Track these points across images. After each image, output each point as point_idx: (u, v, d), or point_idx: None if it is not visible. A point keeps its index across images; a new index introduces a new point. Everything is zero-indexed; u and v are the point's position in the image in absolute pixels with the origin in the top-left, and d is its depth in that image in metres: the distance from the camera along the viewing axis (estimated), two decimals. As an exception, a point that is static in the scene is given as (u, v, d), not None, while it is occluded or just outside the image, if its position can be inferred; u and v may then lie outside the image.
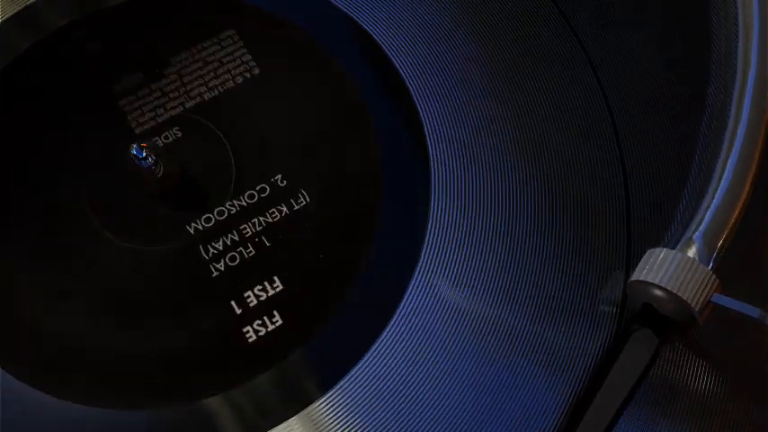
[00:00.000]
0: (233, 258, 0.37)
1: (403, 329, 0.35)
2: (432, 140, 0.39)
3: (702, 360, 0.34)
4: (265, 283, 0.37)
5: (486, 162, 0.38)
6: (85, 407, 0.35)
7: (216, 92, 0.41)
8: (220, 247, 0.37)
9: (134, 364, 0.36)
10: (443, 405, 0.34)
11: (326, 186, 0.38)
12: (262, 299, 0.36)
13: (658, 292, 0.33)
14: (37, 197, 0.39)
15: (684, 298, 0.32)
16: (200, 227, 0.38)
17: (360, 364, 0.35)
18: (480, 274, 0.36)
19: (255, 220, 0.38)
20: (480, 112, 0.39)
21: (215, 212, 0.38)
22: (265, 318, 0.36)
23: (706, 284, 0.32)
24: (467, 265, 0.36)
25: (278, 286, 0.36)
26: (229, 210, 0.38)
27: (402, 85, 0.40)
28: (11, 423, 0.35)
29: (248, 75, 0.41)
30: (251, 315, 0.36)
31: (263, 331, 0.36)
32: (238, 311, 0.36)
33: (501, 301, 0.36)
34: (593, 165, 0.38)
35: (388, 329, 0.35)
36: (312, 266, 0.37)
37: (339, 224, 0.37)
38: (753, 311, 0.32)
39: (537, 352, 0.35)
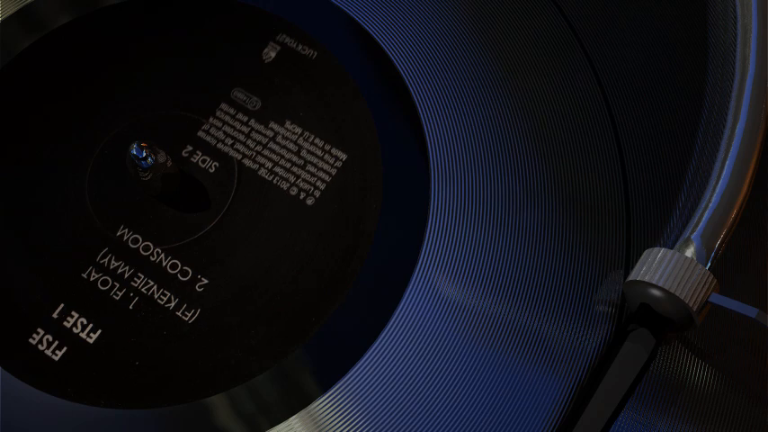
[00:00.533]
0: None
1: (403, 328, 0.35)
2: (432, 140, 0.39)
3: (699, 360, 0.34)
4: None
5: (486, 161, 0.38)
6: (85, 407, 0.35)
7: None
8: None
9: (134, 364, 0.36)
10: (443, 403, 0.34)
11: (326, 186, 0.38)
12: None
13: (656, 292, 0.33)
14: (37, 197, 0.39)
15: (682, 298, 0.32)
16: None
17: (360, 363, 0.35)
18: (480, 273, 0.36)
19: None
20: (480, 111, 0.39)
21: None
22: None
23: (704, 284, 0.32)
24: (466, 264, 0.36)
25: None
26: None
27: (402, 85, 0.40)
28: (11, 423, 0.35)
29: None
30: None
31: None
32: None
33: (500, 300, 0.36)
34: (592, 164, 0.38)
35: (388, 328, 0.35)
36: (313, 265, 0.37)
37: (339, 223, 0.37)
38: (750, 311, 0.32)
39: (535, 351, 0.35)
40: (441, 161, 0.38)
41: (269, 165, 0.39)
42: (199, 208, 0.39)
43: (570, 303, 0.35)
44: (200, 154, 0.39)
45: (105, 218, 0.39)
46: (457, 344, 0.35)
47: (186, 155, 0.39)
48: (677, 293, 0.32)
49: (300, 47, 0.41)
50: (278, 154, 0.39)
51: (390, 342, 0.35)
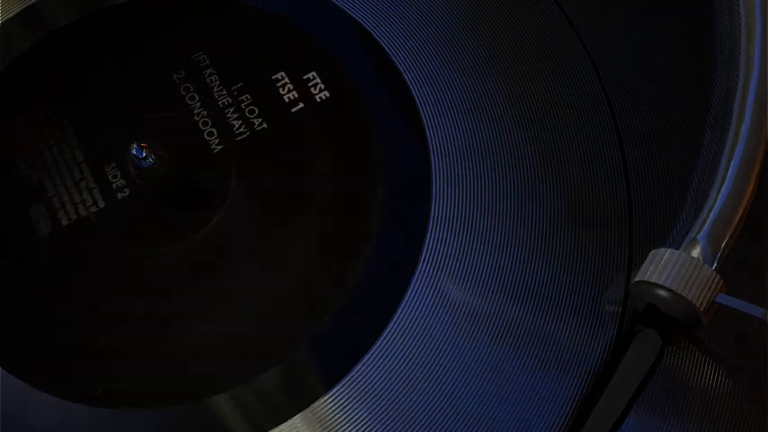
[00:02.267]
0: None
1: (405, 327, 0.35)
2: (432, 140, 0.39)
3: (707, 360, 0.34)
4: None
5: (488, 162, 0.38)
6: (85, 407, 0.35)
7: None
8: None
9: (135, 363, 0.35)
10: (447, 402, 0.34)
11: (327, 187, 0.38)
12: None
13: (663, 293, 0.33)
14: (37, 197, 0.39)
15: (689, 298, 0.32)
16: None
17: (363, 362, 0.34)
18: (482, 273, 0.36)
19: None
20: (480, 111, 0.39)
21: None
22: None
23: (710, 285, 0.32)
24: (468, 263, 0.36)
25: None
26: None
27: (402, 85, 0.40)
28: (11, 423, 0.35)
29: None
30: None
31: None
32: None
33: (503, 300, 0.35)
34: (595, 165, 0.38)
35: (390, 327, 0.35)
36: (315, 264, 0.37)
37: (341, 223, 0.37)
38: (757, 311, 0.32)
39: (541, 352, 0.34)
40: (441, 161, 0.38)
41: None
42: (198, 208, 0.38)
43: (575, 305, 0.35)
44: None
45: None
46: (459, 344, 0.35)
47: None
48: (684, 294, 0.32)
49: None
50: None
51: (393, 341, 0.35)
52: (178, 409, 0.34)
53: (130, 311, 0.37)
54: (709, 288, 0.32)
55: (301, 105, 0.40)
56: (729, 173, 0.34)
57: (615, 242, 0.36)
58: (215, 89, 0.41)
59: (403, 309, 0.35)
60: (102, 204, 0.39)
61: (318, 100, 0.40)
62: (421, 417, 0.34)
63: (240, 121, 0.40)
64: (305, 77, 0.40)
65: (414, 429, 0.33)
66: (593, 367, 0.34)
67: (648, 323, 0.33)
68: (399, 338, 0.35)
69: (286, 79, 0.40)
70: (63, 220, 0.38)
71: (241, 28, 0.42)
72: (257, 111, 0.40)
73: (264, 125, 0.40)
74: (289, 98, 0.40)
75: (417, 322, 0.35)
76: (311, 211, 0.38)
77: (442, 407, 0.34)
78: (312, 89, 0.40)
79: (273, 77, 0.40)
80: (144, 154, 0.37)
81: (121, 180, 0.39)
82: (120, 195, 0.39)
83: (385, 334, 0.35)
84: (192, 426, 0.34)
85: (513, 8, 0.41)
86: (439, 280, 0.36)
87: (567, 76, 0.40)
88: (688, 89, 0.39)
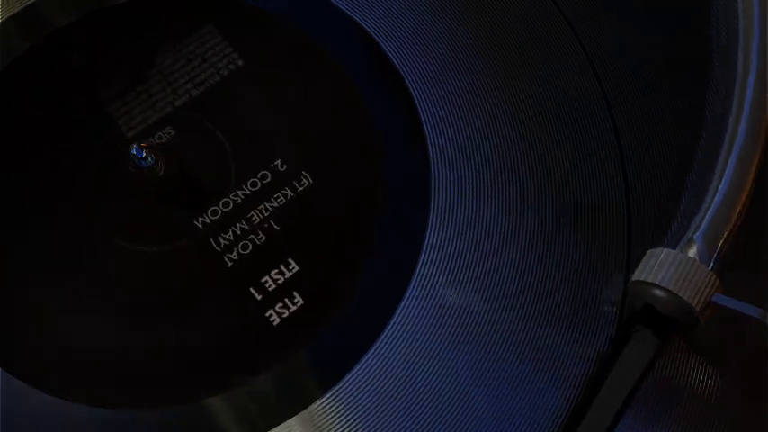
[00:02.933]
0: (245, 247, 0.37)
1: (402, 330, 0.35)
2: (432, 140, 0.39)
3: (703, 360, 0.34)
4: (281, 267, 0.37)
5: (486, 162, 0.38)
6: (85, 407, 0.35)
7: (205, 86, 0.41)
8: (231, 238, 0.38)
9: (134, 364, 0.36)
10: (443, 405, 0.34)
11: (327, 188, 0.38)
12: (279, 282, 0.37)
13: (659, 293, 0.33)
14: (37, 197, 0.39)
15: (685, 298, 0.32)
16: (207, 220, 0.38)
17: (359, 365, 0.34)
18: (480, 275, 0.36)
19: (262, 206, 0.38)
20: (480, 112, 0.39)
21: (220, 204, 0.38)
22: (285, 300, 0.36)
23: (707, 284, 0.32)
24: (467, 265, 0.36)
25: (293, 268, 0.37)
26: (234, 200, 0.38)
27: (402, 85, 0.40)
28: (11, 423, 0.35)
29: (233, 67, 0.41)
30: (272, 300, 0.36)
31: (284, 313, 0.36)
32: (258, 297, 0.36)
33: (501, 301, 0.35)
34: (593, 165, 0.38)
35: (387, 330, 0.35)
36: (313, 266, 0.37)
37: (340, 224, 0.37)
38: (753, 311, 0.32)
39: (538, 352, 0.35)
40: (441, 162, 0.38)
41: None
42: (197, 208, 0.39)
43: (572, 306, 0.35)
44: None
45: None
46: (456, 346, 0.35)
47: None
48: (680, 294, 0.32)
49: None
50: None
51: (390, 344, 0.35)
52: (176, 410, 0.34)
53: (130, 311, 0.37)
54: (706, 288, 0.32)
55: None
56: (726, 172, 0.34)
57: (612, 242, 0.36)
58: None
59: (400, 312, 0.35)
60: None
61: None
62: (416, 420, 0.34)
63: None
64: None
65: (411, 430, 0.34)
66: (589, 368, 0.34)
67: (645, 323, 0.33)
68: (396, 341, 0.35)
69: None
70: None
71: (241, 28, 0.42)
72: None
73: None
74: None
75: (414, 325, 0.35)
76: (311, 211, 0.38)
77: (437, 410, 0.34)
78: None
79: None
80: (144, 154, 0.37)
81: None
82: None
83: (382, 337, 0.35)
84: (189, 426, 0.34)
85: (514, 9, 0.41)
86: (436, 283, 0.36)
87: (566, 77, 0.40)
88: (686, 88, 0.39)
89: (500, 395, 0.34)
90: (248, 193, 0.38)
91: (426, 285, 0.36)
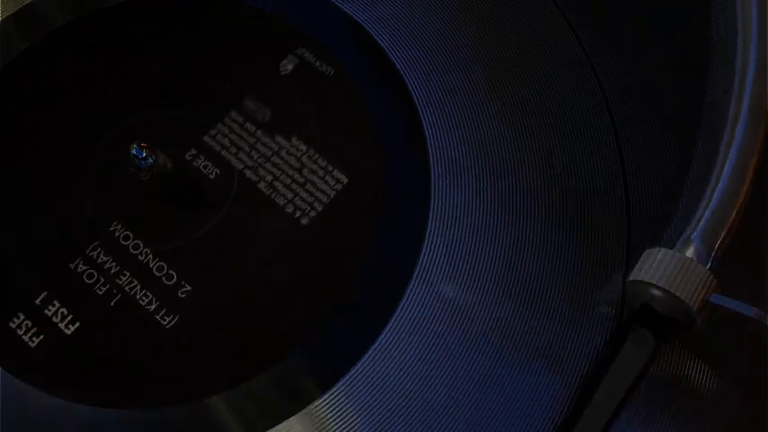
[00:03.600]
0: None
1: (403, 329, 0.35)
2: (432, 140, 0.39)
3: (700, 360, 0.34)
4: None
5: (486, 162, 0.38)
6: (85, 407, 0.35)
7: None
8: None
9: (134, 363, 0.36)
10: (443, 404, 0.34)
11: (323, 208, 0.38)
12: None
13: (657, 292, 0.33)
14: (37, 196, 0.39)
15: (683, 298, 0.32)
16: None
17: (360, 364, 0.35)
18: (480, 274, 0.36)
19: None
20: (480, 112, 0.39)
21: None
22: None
23: (704, 284, 0.32)
24: (466, 264, 0.36)
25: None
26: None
27: (402, 85, 0.40)
28: (11, 423, 0.35)
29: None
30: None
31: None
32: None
33: (500, 300, 0.36)
34: (592, 164, 0.38)
35: (387, 329, 0.35)
36: (313, 266, 0.37)
37: (340, 224, 0.37)
38: (750, 311, 0.32)
39: (536, 351, 0.35)
40: (441, 162, 0.38)
41: (269, 178, 0.39)
42: (195, 212, 0.39)
43: (570, 305, 0.35)
44: (203, 159, 0.39)
45: (101, 212, 0.39)
46: (455, 345, 0.35)
47: (189, 158, 0.39)
48: (678, 293, 0.32)
49: (319, 63, 0.40)
50: (280, 169, 0.39)
51: (390, 343, 0.35)
52: (176, 410, 0.34)
53: (129, 310, 0.37)
54: (703, 288, 0.32)
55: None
56: (724, 172, 0.34)
57: (611, 242, 0.36)
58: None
59: (400, 310, 0.35)
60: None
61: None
62: (417, 418, 0.34)
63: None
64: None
65: (410, 429, 0.34)
66: (586, 367, 0.34)
67: (643, 323, 0.33)
68: (396, 340, 0.35)
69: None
70: None
71: (241, 28, 0.42)
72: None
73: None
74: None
75: (414, 325, 0.35)
76: (303, 229, 0.38)
77: (437, 408, 0.34)
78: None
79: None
80: (144, 154, 0.37)
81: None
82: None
83: (382, 335, 0.35)
84: (189, 426, 0.34)
85: (514, 9, 0.41)
86: (436, 283, 0.36)
87: (565, 77, 0.40)
88: (685, 88, 0.39)
89: (497, 394, 0.34)
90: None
91: (426, 285, 0.36)
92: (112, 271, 0.37)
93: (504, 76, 0.40)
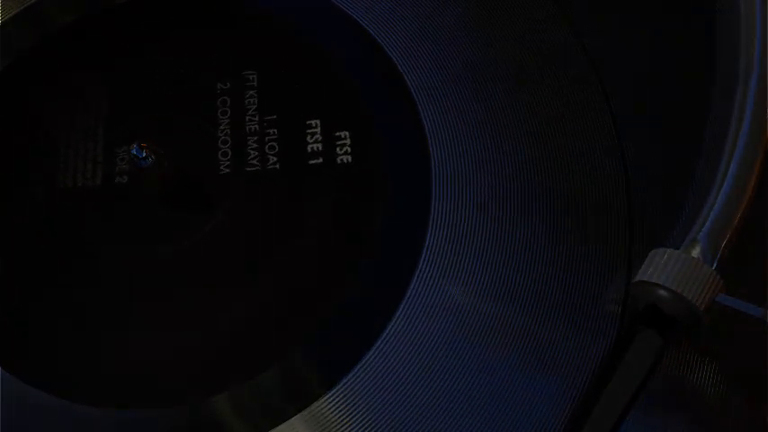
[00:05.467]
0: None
1: (405, 328, 0.35)
2: (432, 140, 0.39)
3: (707, 360, 0.34)
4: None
5: (487, 162, 0.38)
6: (85, 407, 0.35)
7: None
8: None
9: (135, 363, 0.36)
10: (445, 404, 0.34)
11: (326, 188, 0.38)
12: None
13: (663, 293, 0.33)
14: (38, 197, 0.39)
15: (689, 298, 0.32)
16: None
17: (362, 363, 0.34)
18: (482, 274, 0.36)
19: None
20: (481, 111, 0.39)
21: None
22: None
23: (710, 285, 0.32)
24: (468, 264, 0.36)
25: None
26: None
27: (402, 84, 0.40)
28: (11, 423, 0.35)
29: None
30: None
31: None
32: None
33: (503, 300, 0.35)
34: (594, 164, 0.38)
35: (389, 328, 0.35)
36: (315, 265, 0.37)
37: (340, 225, 0.37)
38: (756, 311, 0.32)
39: (540, 352, 0.34)
40: (441, 162, 0.38)
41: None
42: (198, 208, 0.38)
43: (574, 305, 0.35)
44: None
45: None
46: (458, 345, 0.35)
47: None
48: (684, 294, 0.32)
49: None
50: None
51: (392, 342, 0.35)
52: (177, 410, 0.34)
53: (129, 311, 0.37)
54: (709, 288, 0.32)
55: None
56: (729, 173, 0.34)
57: (615, 243, 0.36)
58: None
59: (402, 310, 0.35)
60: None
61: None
62: (418, 418, 0.34)
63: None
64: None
65: (412, 429, 0.33)
66: (592, 368, 0.34)
67: (648, 323, 0.33)
68: (398, 340, 0.35)
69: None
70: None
71: (241, 28, 0.42)
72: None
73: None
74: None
75: (416, 324, 0.35)
76: (311, 212, 0.38)
77: (440, 408, 0.34)
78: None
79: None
80: (144, 154, 0.37)
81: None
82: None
83: (384, 335, 0.35)
84: (191, 426, 0.34)
85: (515, 11, 0.41)
86: (437, 283, 0.36)
87: (567, 77, 0.40)
88: (688, 89, 0.39)
89: (503, 395, 0.34)
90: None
91: (427, 285, 0.36)
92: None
93: (505, 76, 0.40)
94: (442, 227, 0.37)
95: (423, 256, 0.36)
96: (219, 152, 0.39)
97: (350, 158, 0.38)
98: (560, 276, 0.36)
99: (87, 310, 0.37)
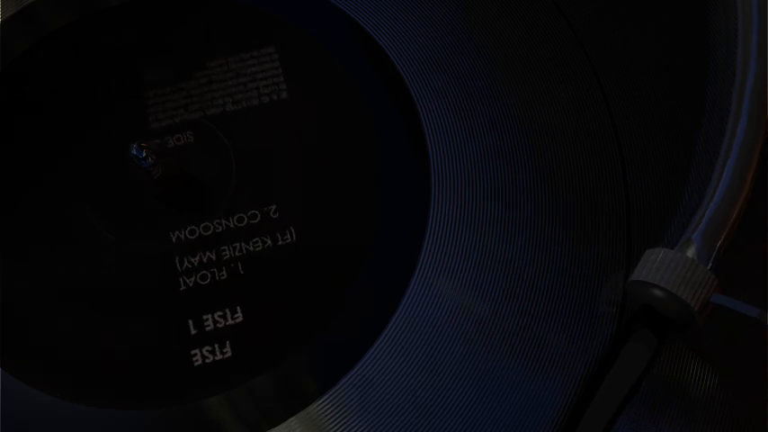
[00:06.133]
0: (204, 277, 0.37)
1: (402, 330, 0.35)
2: (432, 140, 0.39)
3: (701, 360, 0.34)
4: (226, 311, 0.36)
5: (486, 162, 0.38)
6: (85, 407, 0.35)
7: (240, 106, 0.41)
8: (195, 263, 0.37)
9: (135, 363, 0.36)
10: (443, 404, 0.34)
11: (325, 187, 0.38)
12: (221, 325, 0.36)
13: (658, 293, 0.33)
14: (37, 197, 0.39)
15: (684, 298, 0.32)
16: (182, 236, 0.38)
17: (360, 364, 0.35)
18: (480, 274, 0.36)
19: (237, 244, 0.38)
20: (480, 112, 0.39)
21: (200, 226, 0.38)
22: (215, 346, 0.36)
23: (705, 284, 0.32)
24: (466, 265, 0.36)
25: (237, 317, 0.36)
26: (215, 227, 0.38)
27: (403, 85, 0.40)
28: (11, 423, 0.35)
29: (275, 97, 0.41)
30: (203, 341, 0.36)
31: (208, 359, 0.36)
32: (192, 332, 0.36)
33: (500, 300, 0.36)
34: (593, 164, 0.38)
35: (387, 329, 0.35)
36: (313, 266, 0.37)
37: (339, 225, 0.37)
38: (751, 311, 0.32)
39: (536, 352, 0.35)
40: (441, 162, 0.38)
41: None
42: (198, 208, 0.39)
43: (571, 305, 0.35)
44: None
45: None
46: (456, 346, 0.35)
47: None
48: (679, 293, 0.32)
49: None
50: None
51: (390, 344, 0.35)
52: (175, 411, 0.34)
53: (129, 311, 0.37)
54: (704, 288, 0.32)
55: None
56: (725, 172, 0.34)
57: (612, 242, 0.36)
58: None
59: (400, 311, 0.35)
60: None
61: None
62: (416, 419, 0.34)
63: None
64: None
65: (411, 429, 0.34)
66: (587, 367, 0.34)
67: (644, 323, 0.33)
68: (397, 340, 0.35)
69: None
70: None
71: (241, 28, 0.42)
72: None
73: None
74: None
75: (414, 325, 0.35)
76: (310, 211, 0.38)
77: (438, 408, 0.34)
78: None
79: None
80: (144, 154, 0.37)
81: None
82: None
83: (382, 336, 0.35)
84: (188, 427, 0.34)
85: (514, 12, 0.41)
86: (436, 283, 0.36)
87: (565, 77, 0.40)
88: (685, 89, 0.39)
89: (499, 395, 0.34)
90: (231, 226, 0.38)
91: (426, 286, 0.36)
92: None
93: (505, 76, 0.40)
94: (441, 228, 0.37)
95: (420, 258, 0.36)
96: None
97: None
98: (557, 277, 0.36)
99: (87, 309, 0.37)
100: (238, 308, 0.36)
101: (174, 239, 0.38)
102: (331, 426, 0.34)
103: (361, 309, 0.36)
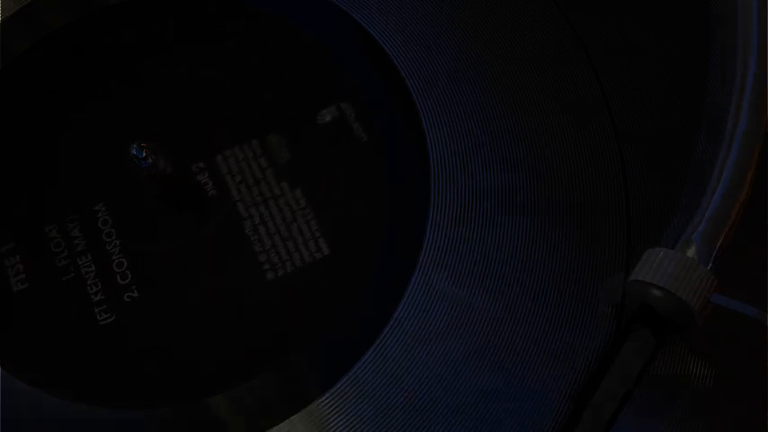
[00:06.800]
0: None
1: (403, 328, 0.35)
2: (432, 140, 0.39)
3: (700, 360, 0.34)
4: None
5: (486, 162, 0.38)
6: (85, 407, 0.35)
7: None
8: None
9: (135, 363, 0.36)
10: (444, 403, 0.34)
11: (326, 191, 0.38)
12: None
13: (657, 293, 0.33)
14: (37, 197, 0.39)
15: (683, 298, 0.32)
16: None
17: (361, 363, 0.35)
18: (480, 274, 0.36)
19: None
20: (480, 112, 0.39)
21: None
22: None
23: (705, 284, 0.32)
24: (467, 265, 0.36)
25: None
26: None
27: (403, 85, 0.40)
28: (11, 423, 0.35)
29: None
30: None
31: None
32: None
33: (500, 301, 0.36)
34: (593, 164, 0.38)
35: (388, 328, 0.35)
36: (314, 265, 0.37)
37: (339, 225, 0.37)
38: (751, 311, 0.32)
39: (536, 351, 0.35)
40: (441, 162, 0.38)
41: (257, 220, 0.38)
42: (198, 208, 0.39)
43: (570, 304, 0.35)
44: (207, 175, 0.39)
45: (91, 191, 0.39)
46: (456, 344, 0.35)
47: (196, 170, 0.39)
48: (678, 293, 0.32)
49: (356, 126, 0.39)
50: (271, 215, 0.38)
51: (391, 342, 0.35)
52: (177, 409, 0.35)
53: (129, 311, 0.37)
54: (704, 288, 0.32)
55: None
56: (725, 172, 0.34)
57: (611, 241, 0.36)
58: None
59: (401, 308, 0.35)
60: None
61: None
62: (417, 418, 0.34)
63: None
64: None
65: (412, 428, 0.34)
66: (586, 367, 0.34)
67: (643, 323, 0.33)
68: (397, 337, 0.35)
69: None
70: None
71: (241, 28, 0.42)
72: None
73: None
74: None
75: (414, 324, 0.35)
76: (311, 211, 0.38)
77: (440, 405, 0.34)
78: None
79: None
80: (144, 154, 0.37)
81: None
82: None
83: (383, 333, 0.35)
84: (190, 426, 0.34)
85: (514, 12, 0.41)
86: (436, 283, 0.36)
87: (565, 77, 0.40)
88: (685, 89, 0.39)
89: (498, 393, 0.34)
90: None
91: (426, 285, 0.36)
92: (78, 249, 0.38)
93: (505, 76, 0.40)
94: (441, 228, 0.37)
95: (421, 257, 0.36)
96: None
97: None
98: (557, 276, 0.36)
99: (87, 309, 0.37)
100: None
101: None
102: (332, 425, 0.34)
103: (362, 309, 0.36)
